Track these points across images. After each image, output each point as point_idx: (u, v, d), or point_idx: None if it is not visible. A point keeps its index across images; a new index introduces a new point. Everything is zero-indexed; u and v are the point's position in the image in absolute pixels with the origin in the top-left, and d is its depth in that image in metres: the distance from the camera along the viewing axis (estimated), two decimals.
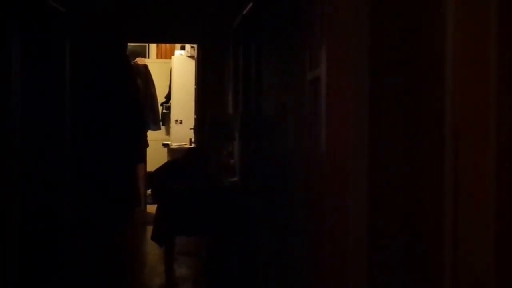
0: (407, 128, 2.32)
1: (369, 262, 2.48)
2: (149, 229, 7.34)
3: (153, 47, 12.36)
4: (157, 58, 12.37)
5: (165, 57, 12.21)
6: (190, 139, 10.56)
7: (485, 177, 1.63)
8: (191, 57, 10.85)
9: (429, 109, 2.13)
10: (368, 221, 2.48)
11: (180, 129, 11.04)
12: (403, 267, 2.28)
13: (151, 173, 8.28)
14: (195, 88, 9.87)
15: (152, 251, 7.41)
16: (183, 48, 11.21)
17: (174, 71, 11.18)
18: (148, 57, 12.12)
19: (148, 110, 10.25)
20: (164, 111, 11.78)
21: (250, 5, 6.12)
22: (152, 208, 8.57)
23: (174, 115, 11.21)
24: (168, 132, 11.63)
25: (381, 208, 2.43)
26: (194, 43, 10.07)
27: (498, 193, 1.58)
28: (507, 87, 1.58)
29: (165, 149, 11.03)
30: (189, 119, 10.61)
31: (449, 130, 1.82)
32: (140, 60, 10.75)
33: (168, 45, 12.02)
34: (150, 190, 9.10)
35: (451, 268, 1.78)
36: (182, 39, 9.71)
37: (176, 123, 11.16)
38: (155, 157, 10.28)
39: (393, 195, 2.33)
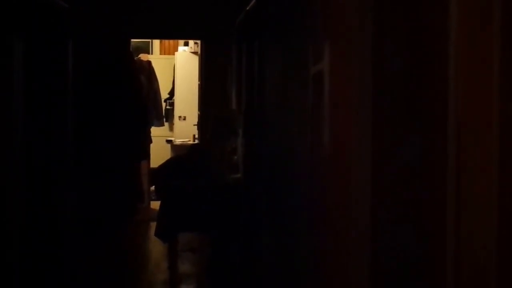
0: (410, 124, 2.30)
1: (371, 261, 2.46)
2: (153, 225, 7.34)
3: (156, 43, 12.34)
4: (160, 54, 12.35)
5: (169, 53, 12.19)
6: (194, 136, 10.56)
7: (487, 174, 1.62)
8: (195, 53, 10.83)
9: (432, 105, 2.12)
10: (371, 218, 2.46)
11: (184, 126, 11.04)
12: (405, 266, 2.27)
13: (154, 169, 8.27)
14: (198, 84, 9.86)
15: (156, 247, 7.40)
16: (186, 44, 11.19)
17: (177, 67, 11.17)
18: (152, 53, 12.10)
19: (151, 107, 10.23)
20: (167, 107, 11.77)
21: (254, 0, 6.10)
22: (155, 205, 8.57)
23: (178, 111, 11.20)
24: (171, 128, 11.62)
25: (384, 203, 2.41)
26: (197, 39, 10.05)
27: (500, 190, 1.57)
28: (509, 83, 1.57)
29: (169, 146, 11.03)
30: (193, 115, 10.60)
31: (452, 126, 1.81)
32: (143, 56, 10.74)
33: (171, 41, 12.01)
34: (153, 186, 9.10)
35: (453, 266, 1.77)
36: (185, 35, 9.70)
37: (179, 119, 11.15)
38: (159, 153, 10.27)
39: (396, 190, 2.31)
